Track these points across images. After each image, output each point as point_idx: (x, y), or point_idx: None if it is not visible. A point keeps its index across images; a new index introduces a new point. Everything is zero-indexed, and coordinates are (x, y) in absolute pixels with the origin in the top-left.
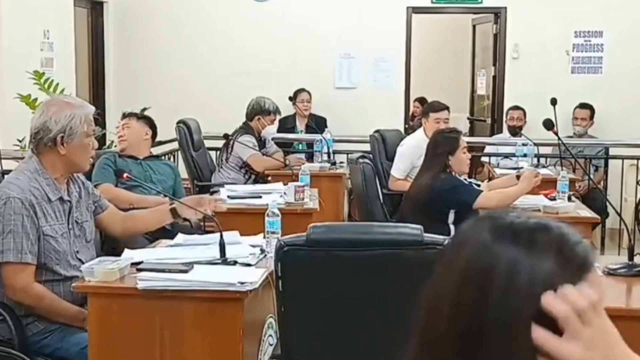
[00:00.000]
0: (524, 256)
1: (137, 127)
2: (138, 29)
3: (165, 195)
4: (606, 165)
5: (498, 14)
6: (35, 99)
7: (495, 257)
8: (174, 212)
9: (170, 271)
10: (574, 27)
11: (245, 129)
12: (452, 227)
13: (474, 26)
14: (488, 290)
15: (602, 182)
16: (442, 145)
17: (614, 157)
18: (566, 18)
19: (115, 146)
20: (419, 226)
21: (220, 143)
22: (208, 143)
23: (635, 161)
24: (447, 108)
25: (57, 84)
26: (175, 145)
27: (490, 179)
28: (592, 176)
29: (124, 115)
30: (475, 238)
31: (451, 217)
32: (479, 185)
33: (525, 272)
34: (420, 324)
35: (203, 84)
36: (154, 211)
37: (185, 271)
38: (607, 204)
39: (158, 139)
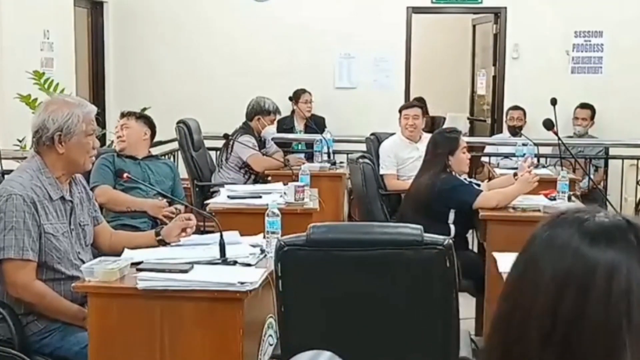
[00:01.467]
0: (623, 258)
1: (136, 126)
2: (138, 29)
3: (164, 197)
4: (606, 165)
5: (498, 14)
6: (35, 99)
7: (593, 263)
8: (160, 240)
9: (170, 271)
10: (574, 27)
11: (245, 129)
12: (452, 226)
13: (474, 26)
14: (588, 298)
15: (602, 182)
16: (442, 145)
17: (614, 157)
18: (566, 18)
19: (114, 146)
20: (419, 226)
21: (220, 143)
22: (208, 143)
23: (635, 161)
24: (417, 106)
25: (57, 84)
26: (175, 145)
27: (490, 179)
28: (592, 176)
29: (123, 115)
30: (567, 245)
31: (451, 217)
32: (479, 185)
33: (624, 275)
34: (499, 339)
35: (203, 84)
36: (142, 236)
37: (186, 271)
38: (607, 204)
39: (158, 138)
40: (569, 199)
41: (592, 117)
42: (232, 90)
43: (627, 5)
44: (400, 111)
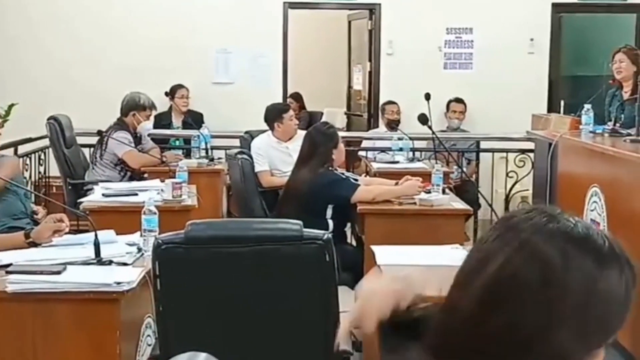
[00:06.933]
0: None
1: None
2: (3, 22)
3: (37, 197)
4: (477, 158)
5: (373, 10)
6: None
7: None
8: (31, 243)
9: (42, 273)
10: (446, 24)
11: (120, 125)
12: (330, 221)
13: (349, 22)
14: None
15: (474, 175)
16: (325, 140)
17: (485, 151)
18: (439, 15)
19: None
20: (298, 222)
21: (93, 140)
22: (81, 140)
23: (504, 154)
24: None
25: None
26: (45, 142)
27: (367, 173)
28: (464, 169)
29: None
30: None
31: (329, 212)
32: (356, 180)
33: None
34: None
35: (75, 80)
36: (11, 238)
37: (58, 272)
38: (479, 195)
39: (27, 135)
40: (444, 191)
41: (465, 112)
42: (105, 86)
43: (496, 2)
44: (280, 116)
